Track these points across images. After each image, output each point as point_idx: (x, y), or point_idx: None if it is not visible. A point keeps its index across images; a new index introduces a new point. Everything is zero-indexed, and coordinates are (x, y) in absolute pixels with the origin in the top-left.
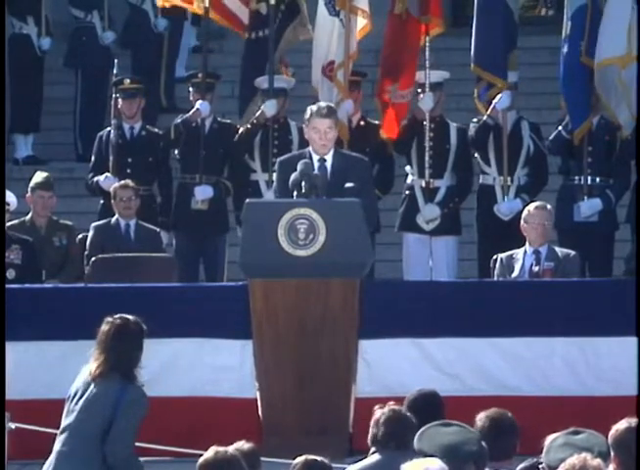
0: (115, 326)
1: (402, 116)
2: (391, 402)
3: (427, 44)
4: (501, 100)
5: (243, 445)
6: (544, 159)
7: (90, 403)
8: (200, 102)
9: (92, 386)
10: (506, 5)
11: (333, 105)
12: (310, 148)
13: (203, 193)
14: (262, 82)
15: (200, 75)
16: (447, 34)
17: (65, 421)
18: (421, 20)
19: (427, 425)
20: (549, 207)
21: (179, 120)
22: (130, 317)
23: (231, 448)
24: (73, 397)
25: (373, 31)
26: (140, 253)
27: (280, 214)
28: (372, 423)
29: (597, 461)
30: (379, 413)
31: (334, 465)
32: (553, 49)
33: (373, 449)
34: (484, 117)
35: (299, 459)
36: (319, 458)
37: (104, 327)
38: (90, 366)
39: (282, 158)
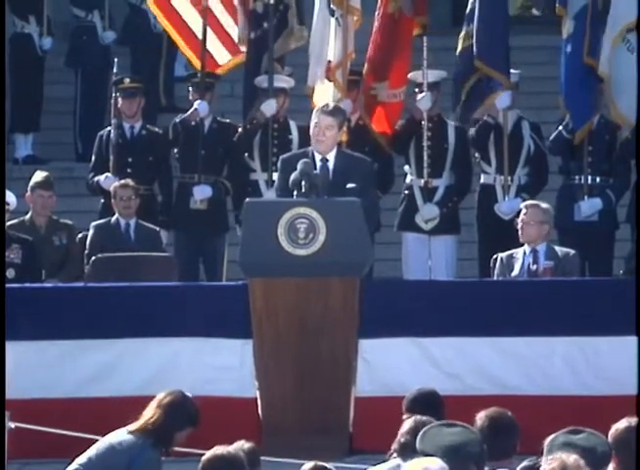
0: (178, 398)
1: (395, 115)
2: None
3: (424, 44)
4: (501, 99)
5: (243, 444)
6: (544, 158)
7: (112, 449)
8: (198, 102)
9: (126, 432)
10: (505, 4)
11: (342, 106)
12: (313, 147)
13: (201, 193)
14: (262, 82)
15: (199, 75)
16: (446, 34)
17: (89, 450)
18: (415, 19)
19: (429, 425)
20: (544, 205)
21: (177, 120)
22: (192, 402)
23: (233, 448)
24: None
25: (369, 30)
26: (140, 252)
27: (280, 214)
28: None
29: (574, 457)
30: (405, 423)
31: (334, 465)
32: (553, 48)
33: (394, 455)
34: (485, 117)
35: (308, 465)
36: (328, 465)
37: (171, 397)
38: (142, 418)
39: (284, 156)
